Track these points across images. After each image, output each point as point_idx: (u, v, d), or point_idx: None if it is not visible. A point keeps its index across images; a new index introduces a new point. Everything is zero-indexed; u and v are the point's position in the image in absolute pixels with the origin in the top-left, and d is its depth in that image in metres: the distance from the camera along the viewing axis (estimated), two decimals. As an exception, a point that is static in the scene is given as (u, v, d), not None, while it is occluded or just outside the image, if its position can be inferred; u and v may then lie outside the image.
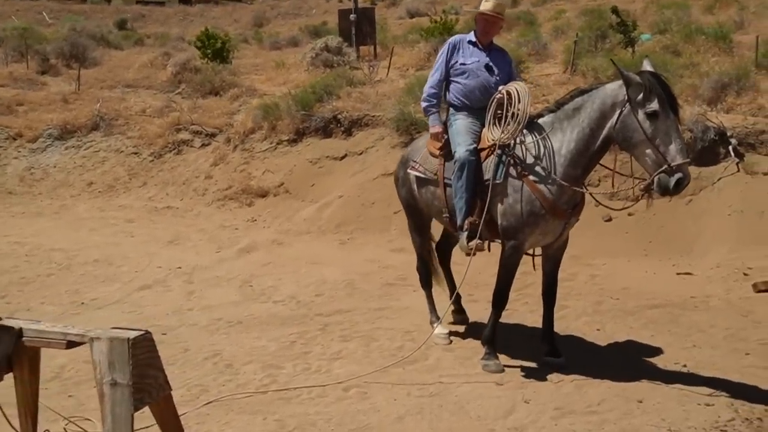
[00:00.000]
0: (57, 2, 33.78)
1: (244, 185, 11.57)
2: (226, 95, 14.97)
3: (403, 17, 25.97)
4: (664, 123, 4.09)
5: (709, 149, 8.68)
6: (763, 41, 11.97)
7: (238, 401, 4.45)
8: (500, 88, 4.87)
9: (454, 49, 5.13)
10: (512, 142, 4.71)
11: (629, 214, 8.56)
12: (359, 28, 18.03)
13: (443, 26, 16.67)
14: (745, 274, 7.03)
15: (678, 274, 7.37)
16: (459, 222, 4.94)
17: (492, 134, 4.79)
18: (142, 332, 2.90)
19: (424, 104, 5.25)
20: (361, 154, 11.28)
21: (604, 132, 4.37)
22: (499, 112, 4.78)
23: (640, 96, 4.16)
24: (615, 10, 13.85)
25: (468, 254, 4.95)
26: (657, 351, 5.29)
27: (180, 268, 8.12)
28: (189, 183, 12.42)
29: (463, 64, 5.07)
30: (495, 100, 4.83)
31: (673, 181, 4.05)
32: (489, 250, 5.17)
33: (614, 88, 4.36)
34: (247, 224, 10.45)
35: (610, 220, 8.57)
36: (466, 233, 4.89)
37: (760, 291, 6.61)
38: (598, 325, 5.96)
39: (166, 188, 12.49)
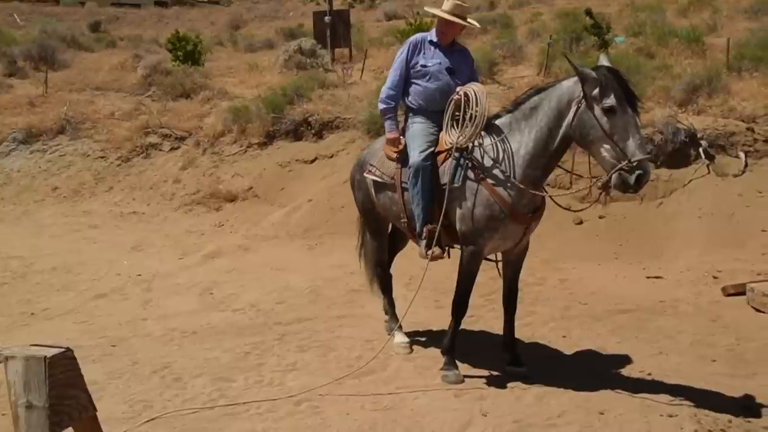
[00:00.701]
0: (29, 4, 33.26)
1: (212, 189, 11.34)
2: (196, 98, 14.69)
3: (380, 20, 25.79)
4: (622, 118, 3.95)
5: (680, 151, 8.61)
6: (735, 44, 11.94)
7: (183, 418, 4.23)
8: (458, 89, 4.70)
9: (415, 48, 4.93)
10: (470, 144, 4.55)
11: (600, 217, 8.49)
12: (334, 31, 17.83)
13: (418, 28, 16.50)
14: (714, 278, 6.92)
15: (648, 277, 7.25)
16: (417, 229, 4.77)
17: (450, 137, 4.62)
18: (62, 350, 2.67)
19: (381, 106, 5.06)
20: (331, 157, 11.09)
21: (562, 130, 4.22)
22: (456, 114, 4.62)
23: (596, 91, 4.02)
24: (588, 13, 13.79)
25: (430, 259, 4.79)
26: (623, 358, 5.14)
27: (140, 275, 7.87)
28: (157, 187, 12.15)
29: (425, 65, 4.87)
30: (452, 101, 4.66)
31: (633, 177, 3.90)
32: (449, 257, 5.00)
33: (570, 85, 4.21)
34: (213, 229, 10.21)
35: (581, 223, 8.45)
36: (425, 241, 4.72)
37: (729, 294, 6.50)
38: (564, 331, 5.80)
39: (132, 193, 12.21)
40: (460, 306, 4.77)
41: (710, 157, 8.43)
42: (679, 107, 9.73)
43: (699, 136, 8.59)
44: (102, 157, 13.40)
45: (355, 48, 18.40)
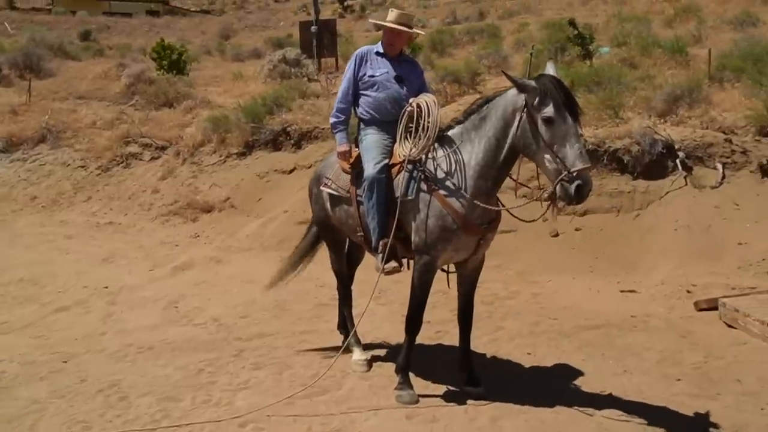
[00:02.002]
0: (21, 13, 33.18)
1: (189, 200, 11.21)
2: (179, 107, 14.61)
3: (369, 30, 25.76)
4: (561, 128, 3.84)
5: (657, 162, 8.48)
6: (718, 54, 11.87)
7: (119, 440, 4.07)
8: (411, 100, 4.59)
9: (361, 61, 4.85)
10: (423, 156, 4.43)
11: (576, 229, 8.37)
12: (320, 40, 17.76)
13: (404, 38, 16.42)
14: (688, 292, 6.79)
15: (622, 291, 7.12)
16: (373, 243, 4.64)
17: (403, 149, 4.51)
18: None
19: (331, 120, 4.97)
20: (309, 167, 10.93)
21: (509, 140, 4.12)
22: (410, 125, 4.50)
23: (536, 101, 3.91)
24: (572, 23, 13.72)
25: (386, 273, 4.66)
26: (586, 377, 5.00)
27: (107, 287, 7.73)
28: (135, 197, 12.03)
29: (372, 76, 4.78)
30: (405, 113, 4.55)
31: (573, 188, 3.78)
32: (408, 268, 4.85)
33: (514, 94, 4.11)
34: (188, 240, 10.07)
35: (557, 235, 8.34)
36: (381, 255, 4.59)
37: (701, 309, 6.37)
38: (530, 348, 5.66)
39: (110, 203, 12.08)
40: (413, 321, 4.63)
41: (687, 169, 8.31)
42: (659, 117, 9.62)
43: (676, 147, 8.47)
44: (82, 167, 13.29)
45: (343, 58, 18.31)
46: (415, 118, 4.44)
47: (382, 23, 4.84)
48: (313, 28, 17.62)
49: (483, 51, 15.95)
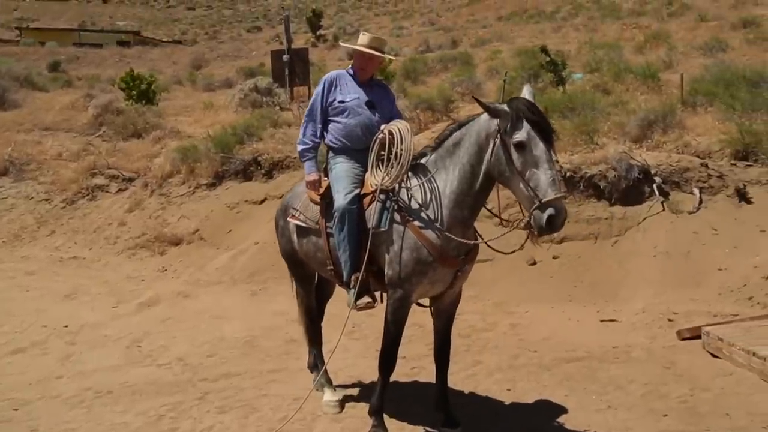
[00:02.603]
0: (-12, 44, 32.75)
1: (157, 232, 10.87)
2: (148, 138, 14.32)
3: (342, 59, 25.75)
4: (533, 154, 3.64)
5: (634, 188, 8.38)
6: (690, 79, 11.92)
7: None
8: (382, 127, 4.39)
9: (331, 86, 4.64)
10: (396, 186, 4.21)
11: (554, 257, 8.20)
12: (292, 69, 17.62)
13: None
14: (669, 320, 6.63)
15: (602, 321, 6.93)
16: (345, 278, 4.39)
17: (375, 178, 4.28)
18: None
19: (299, 148, 4.74)
20: (281, 197, 10.63)
21: (484, 167, 3.91)
22: (382, 153, 4.29)
23: (508, 125, 3.72)
24: (544, 50, 13.74)
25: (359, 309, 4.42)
26: (568, 414, 4.77)
27: (67, 326, 7.36)
28: (100, 231, 11.65)
29: (342, 101, 4.58)
30: (377, 140, 4.34)
31: (545, 217, 3.57)
32: (382, 302, 4.60)
33: (487, 119, 3.91)
34: (155, 275, 9.72)
35: (534, 263, 8.16)
36: (353, 290, 4.34)
37: (684, 339, 6.20)
38: (510, 383, 5.42)
39: (75, 237, 11.69)
40: (387, 359, 4.37)
41: (664, 194, 8.21)
42: (634, 143, 9.57)
43: (653, 172, 8.38)
44: (46, 200, 12.89)
45: (315, 87, 18.20)
46: (387, 146, 4.23)
47: (354, 47, 4.65)
48: (285, 57, 17.47)
49: (456, 78, 15.92)
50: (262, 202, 10.77)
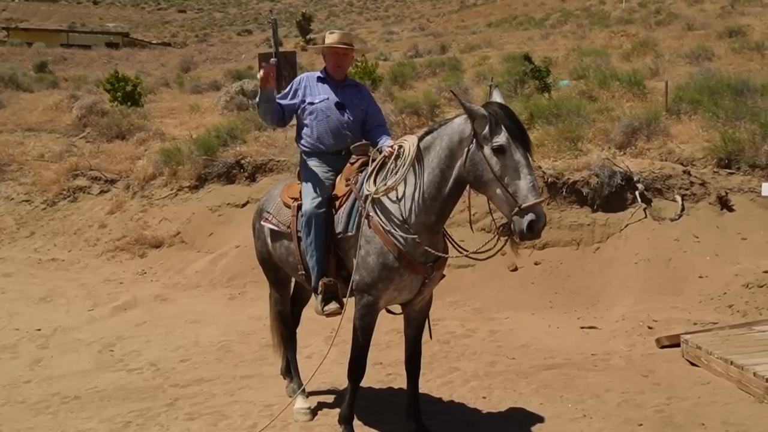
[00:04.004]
0: (-27, 45, 32.44)
1: (138, 235, 10.74)
2: (132, 139, 14.21)
3: (331, 62, 25.67)
4: (513, 159, 3.56)
5: (617, 194, 8.33)
6: (675, 87, 11.92)
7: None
8: (393, 142, 4.25)
9: (299, 84, 4.60)
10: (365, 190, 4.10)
11: (536, 263, 8.14)
12: (279, 72, 17.50)
13: (363, 71, 16.33)
14: (649, 328, 6.56)
15: (582, 328, 6.87)
16: (312, 283, 4.30)
17: (369, 186, 4.12)
18: None
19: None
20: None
21: (455, 172, 3.81)
22: (386, 164, 4.14)
23: (486, 129, 3.64)
24: (527, 58, 13.73)
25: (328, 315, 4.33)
26: (544, 424, 4.69)
27: (39, 330, 7.24)
28: (81, 233, 11.51)
29: (312, 103, 4.51)
30: (384, 152, 4.20)
31: (525, 223, 3.50)
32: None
33: (461, 123, 3.83)
34: (134, 278, 9.59)
35: (516, 269, 8.10)
36: (321, 296, 4.25)
37: (663, 347, 6.14)
38: (486, 391, 5.34)
39: (54, 238, 11.55)
40: (356, 366, 4.26)
41: (647, 201, 8.18)
42: (618, 149, 9.54)
43: (635, 179, 8.34)
44: (26, 201, 12.75)
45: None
46: (393, 159, 4.10)
47: (325, 45, 4.56)
48: (273, 61, 17.32)
49: (443, 83, 15.86)
50: (244, 205, 10.67)
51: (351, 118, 4.47)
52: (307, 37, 36.83)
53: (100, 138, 14.76)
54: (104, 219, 11.66)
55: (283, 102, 4.60)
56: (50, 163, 13.57)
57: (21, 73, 24.06)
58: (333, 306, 4.23)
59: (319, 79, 4.60)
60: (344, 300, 4.31)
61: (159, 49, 36.39)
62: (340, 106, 4.48)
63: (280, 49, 18.90)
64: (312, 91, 4.54)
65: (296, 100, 4.57)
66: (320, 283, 4.22)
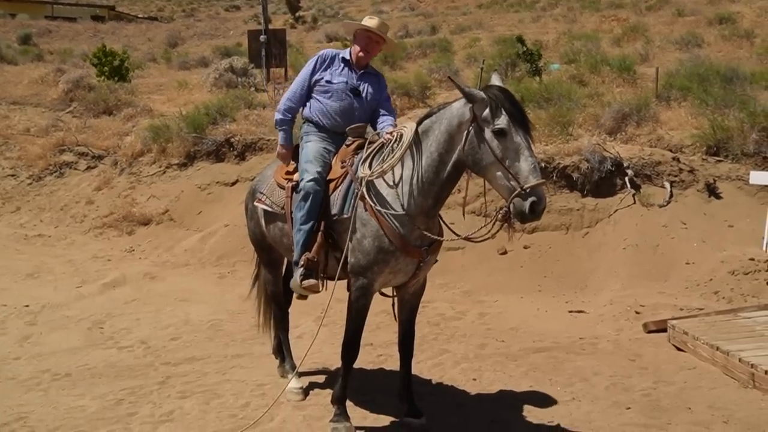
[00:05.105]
0: (-44, 15, 31.81)
1: (125, 212, 10.68)
2: (119, 115, 14.06)
3: (321, 41, 25.47)
4: (514, 141, 3.57)
5: (606, 180, 8.38)
6: (665, 73, 11.96)
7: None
8: (392, 129, 4.25)
9: (323, 63, 4.53)
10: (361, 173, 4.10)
11: (525, 247, 8.19)
12: (269, 50, 17.37)
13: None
14: (637, 312, 6.63)
15: (570, 312, 6.94)
16: (295, 257, 4.28)
17: (363, 169, 4.13)
18: None
19: (277, 117, 4.61)
20: (253, 179, 10.55)
21: (454, 156, 3.82)
22: (383, 149, 4.14)
23: (486, 113, 3.64)
24: (520, 39, 13.69)
25: (300, 295, 4.33)
26: (532, 406, 4.74)
27: (27, 306, 7.20)
28: (67, 209, 11.42)
29: (329, 82, 4.47)
30: (382, 139, 4.19)
31: (527, 205, 3.51)
32: (327, 289, 4.45)
33: (459, 107, 3.82)
34: (122, 255, 9.55)
35: (505, 253, 8.14)
36: (301, 270, 4.22)
37: (650, 331, 6.23)
38: (476, 373, 5.40)
39: (41, 214, 11.46)
40: (350, 348, 4.27)
41: (636, 187, 8.24)
42: (608, 135, 9.58)
43: (625, 165, 8.39)
44: (12, 176, 12.64)
45: (293, 68, 17.95)
46: (390, 144, 4.09)
47: (364, 26, 4.47)
48: (262, 38, 17.21)
49: (434, 65, 15.80)
50: (233, 184, 10.62)
51: (364, 105, 4.45)
52: (296, 14, 36.45)
53: (87, 113, 14.58)
54: (91, 195, 11.57)
55: (300, 94, 4.57)
56: (36, 138, 13.42)
57: (5, 45, 23.66)
58: (312, 281, 4.20)
59: (343, 60, 4.54)
60: (327, 282, 4.32)
61: (146, 23, 35.83)
62: (355, 92, 4.45)
63: (270, 27, 18.72)
64: (334, 71, 4.49)
65: (316, 77, 4.50)
66: (303, 257, 4.20)
